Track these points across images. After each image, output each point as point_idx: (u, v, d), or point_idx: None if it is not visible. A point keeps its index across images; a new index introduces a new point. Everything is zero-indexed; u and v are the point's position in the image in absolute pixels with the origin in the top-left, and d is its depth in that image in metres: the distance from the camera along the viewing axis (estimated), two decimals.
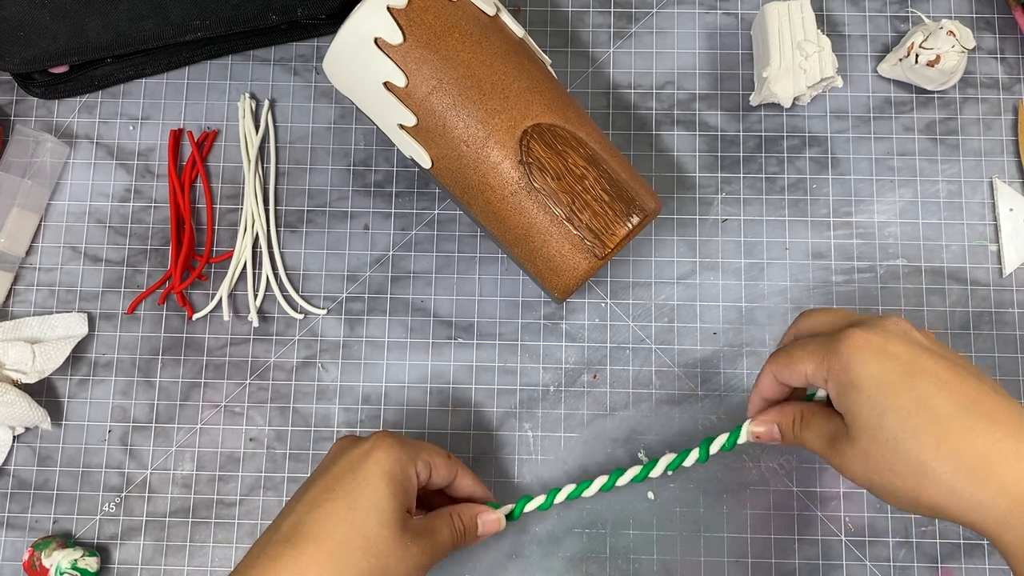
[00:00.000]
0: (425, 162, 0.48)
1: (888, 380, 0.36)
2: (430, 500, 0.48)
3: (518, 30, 0.49)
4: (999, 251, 0.54)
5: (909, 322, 0.39)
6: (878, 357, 0.37)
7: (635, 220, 0.45)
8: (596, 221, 0.45)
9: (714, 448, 0.45)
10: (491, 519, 0.46)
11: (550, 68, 0.50)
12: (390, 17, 0.45)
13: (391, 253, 0.55)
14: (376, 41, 0.46)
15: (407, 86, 0.46)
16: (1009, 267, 0.54)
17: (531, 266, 0.47)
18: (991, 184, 0.55)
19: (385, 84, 0.46)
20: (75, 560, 0.50)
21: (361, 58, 0.46)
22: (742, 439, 0.44)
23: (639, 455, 0.52)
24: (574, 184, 0.45)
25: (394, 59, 0.46)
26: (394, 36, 0.45)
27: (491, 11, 0.48)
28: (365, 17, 0.45)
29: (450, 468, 0.45)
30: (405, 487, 0.42)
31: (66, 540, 0.51)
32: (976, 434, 0.35)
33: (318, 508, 0.40)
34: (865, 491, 0.51)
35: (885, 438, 0.36)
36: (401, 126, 0.47)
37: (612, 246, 0.45)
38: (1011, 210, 0.54)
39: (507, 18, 0.49)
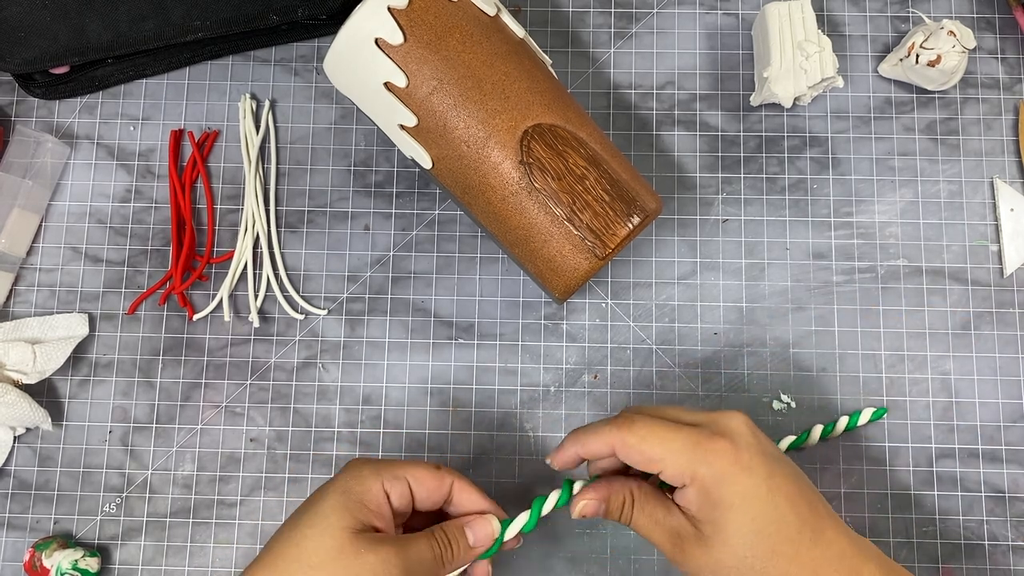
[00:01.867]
0: (426, 162, 0.48)
1: (755, 497, 0.39)
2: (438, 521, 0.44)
3: (519, 30, 0.49)
4: (1000, 251, 0.54)
5: (748, 416, 0.41)
6: (745, 474, 0.39)
7: (636, 220, 0.45)
8: (597, 221, 0.45)
9: (546, 508, 0.43)
10: (483, 527, 0.41)
11: (550, 68, 0.50)
12: (391, 17, 0.45)
13: (392, 253, 0.55)
14: (377, 41, 0.45)
15: (408, 86, 0.46)
16: (1010, 267, 0.54)
17: (532, 266, 0.47)
18: (992, 184, 0.55)
19: (386, 84, 0.46)
20: (76, 560, 0.50)
21: (362, 58, 0.46)
22: (574, 514, 0.42)
23: None
24: (575, 184, 0.45)
25: (395, 59, 0.46)
26: (395, 36, 0.45)
27: (492, 11, 0.48)
28: (366, 17, 0.45)
29: (440, 480, 0.42)
30: (362, 499, 0.39)
31: (67, 540, 0.51)
32: (815, 545, 0.39)
33: (276, 534, 0.40)
34: (866, 491, 0.51)
35: (744, 555, 0.39)
36: (402, 126, 0.47)
37: (613, 246, 0.45)
38: (1012, 210, 0.54)
39: (507, 18, 0.49)
